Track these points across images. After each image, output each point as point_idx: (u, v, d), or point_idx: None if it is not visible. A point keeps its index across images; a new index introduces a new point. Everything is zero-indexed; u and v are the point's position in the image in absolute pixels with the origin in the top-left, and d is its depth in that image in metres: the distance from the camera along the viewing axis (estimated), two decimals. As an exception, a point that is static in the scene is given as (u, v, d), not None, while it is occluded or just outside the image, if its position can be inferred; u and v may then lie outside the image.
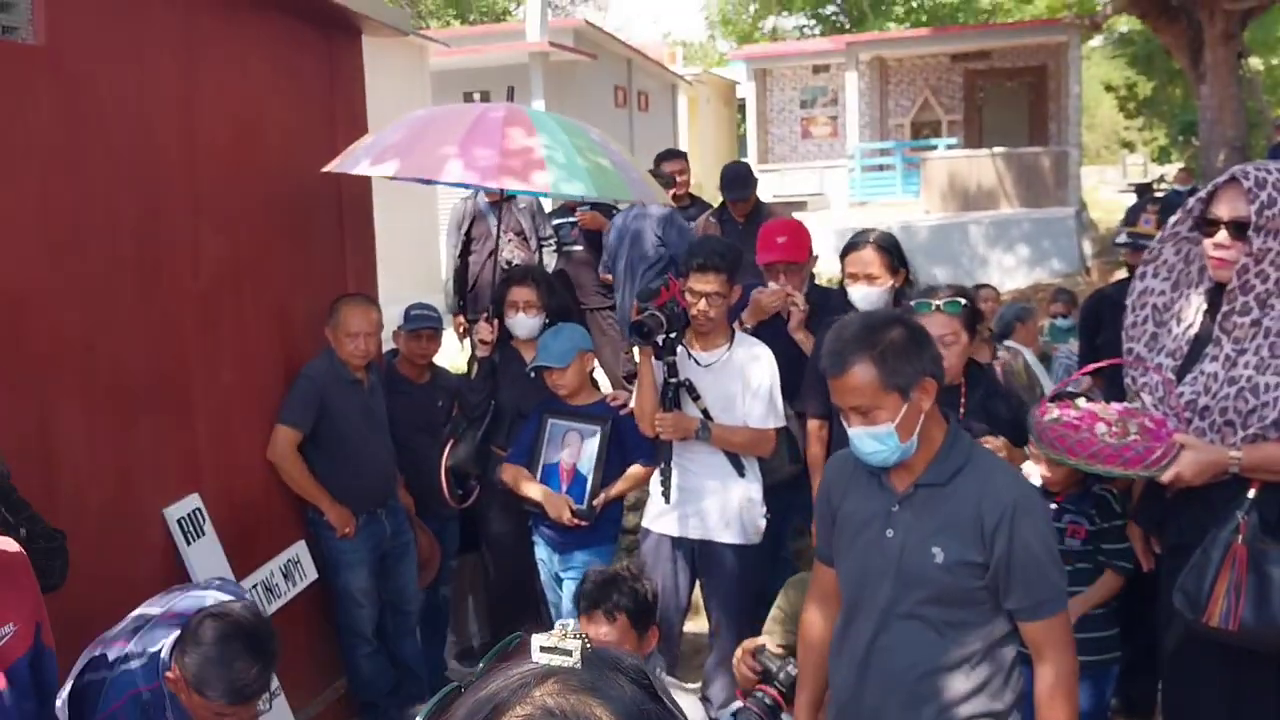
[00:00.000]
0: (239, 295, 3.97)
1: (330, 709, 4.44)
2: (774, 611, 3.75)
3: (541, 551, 4.25)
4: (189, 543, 3.65)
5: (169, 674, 2.59)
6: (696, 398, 3.82)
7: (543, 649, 0.87)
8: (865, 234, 4.10)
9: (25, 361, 3.03)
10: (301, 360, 4.24)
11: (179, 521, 3.63)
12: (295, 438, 4.15)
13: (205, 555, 3.69)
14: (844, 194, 19.49)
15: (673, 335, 3.74)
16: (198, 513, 3.70)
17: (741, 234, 5.92)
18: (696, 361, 3.86)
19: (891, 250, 4.02)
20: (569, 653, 0.86)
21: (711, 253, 3.85)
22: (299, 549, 4.15)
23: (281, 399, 4.17)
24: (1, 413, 2.95)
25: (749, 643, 3.01)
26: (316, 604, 4.31)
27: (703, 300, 3.77)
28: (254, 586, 3.86)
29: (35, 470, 3.00)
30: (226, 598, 2.86)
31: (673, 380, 3.80)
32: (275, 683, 3.88)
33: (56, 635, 2.67)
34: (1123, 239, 4.91)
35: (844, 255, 4.09)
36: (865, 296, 3.92)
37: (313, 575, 4.17)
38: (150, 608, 2.87)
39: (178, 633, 2.65)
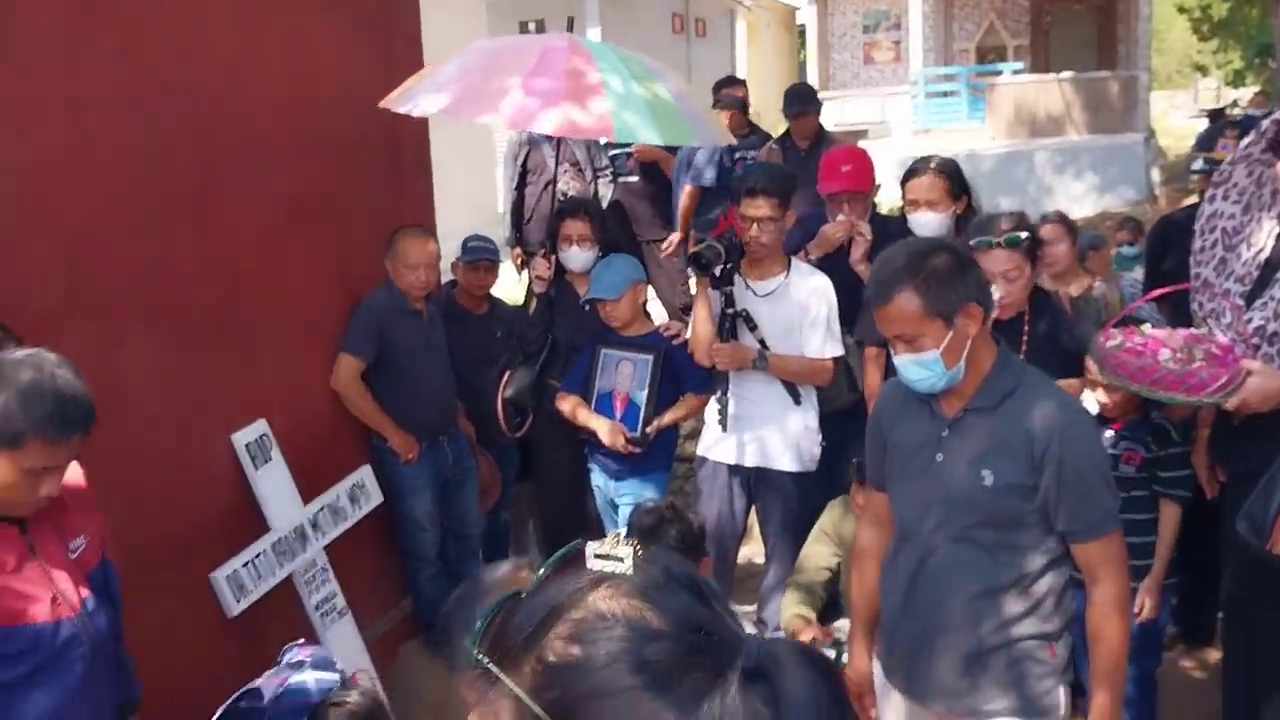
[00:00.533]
0: (300, 229, 4.02)
1: (396, 628, 4.57)
2: (816, 532, 3.79)
3: (597, 478, 4.32)
4: (256, 467, 3.75)
5: None
6: (754, 327, 3.82)
7: (596, 556, 0.89)
8: (926, 160, 4.05)
9: (94, 295, 3.10)
10: (362, 291, 4.31)
11: (246, 446, 3.73)
12: (358, 366, 4.23)
13: (273, 479, 3.80)
14: (907, 121, 19.10)
15: (729, 265, 3.73)
16: (265, 438, 3.80)
17: (803, 161, 5.87)
18: (754, 291, 3.85)
19: (952, 176, 3.98)
20: (621, 559, 0.88)
21: (761, 177, 3.84)
22: (364, 474, 4.24)
23: (343, 329, 4.24)
24: (74, 345, 3.04)
25: None
26: (381, 528, 4.42)
27: (754, 225, 3.75)
28: (321, 509, 3.97)
29: (108, 401, 3.08)
30: (326, 676, 2.96)
31: (730, 310, 3.79)
32: (342, 602, 4.02)
33: (132, 557, 2.80)
34: (1198, 165, 4.79)
35: (904, 182, 4.05)
36: (925, 224, 3.88)
37: (378, 499, 4.27)
38: (254, 700, 2.95)
39: None
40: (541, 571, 0.93)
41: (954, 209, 3.96)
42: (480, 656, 0.88)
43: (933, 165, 3.98)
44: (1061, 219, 4.44)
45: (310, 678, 2.94)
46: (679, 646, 0.82)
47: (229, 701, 2.94)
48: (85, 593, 2.36)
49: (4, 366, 2.16)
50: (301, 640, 3.01)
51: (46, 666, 2.26)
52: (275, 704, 2.85)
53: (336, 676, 3.11)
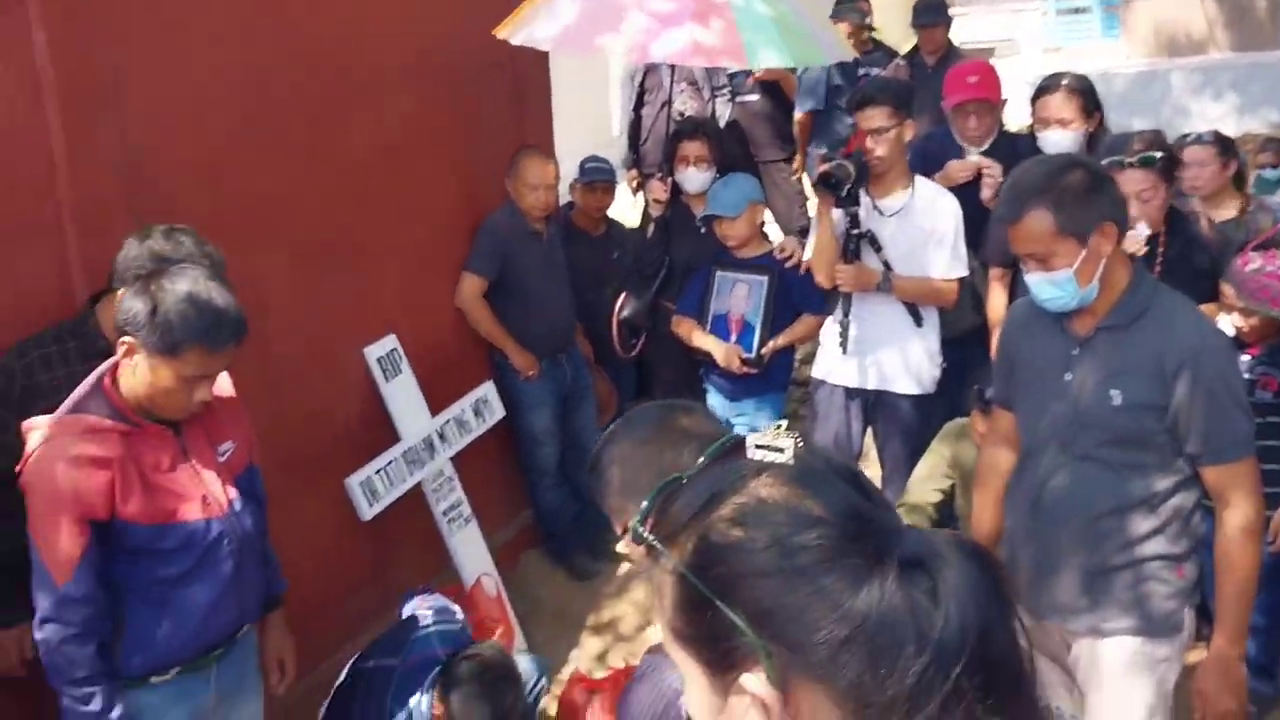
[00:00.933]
0: (424, 151, 4.11)
1: (517, 538, 4.73)
2: (930, 454, 3.77)
3: (713, 399, 4.35)
4: (387, 380, 3.90)
5: (435, 713, 2.88)
6: (878, 249, 3.77)
7: (757, 446, 0.91)
8: (1057, 77, 3.94)
9: (235, 215, 3.23)
10: (484, 212, 4.39)
11: (378, 360, 3.88)
12: (480, 285, 4.33)
13: (402, 392, 3.95)
14: (1037, 39, 18.32)
15: (856, 185, 3.67)
16: (395, 353, 3.94)
17: (930, 79, 5.71)
18: (880, 211, 3.79)
19: (1085, 93, 3.85)
20: (782, 450, 0.90)
21: (873, 87, 3.78)
22: (487, 389, 4.37)
23: (467, 249, 4.34)
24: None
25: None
26: (503, 442, 4.56)
27: (869, 138, 3.69)
28: (447, 421, 4.11)
29: (250, 316, 3.21)
30: (448, 626, 3.16)
31: (855, 231, 3.75)
32: (468, 510, 4.17)
33: (275, 462, 2.95)
34: None
35: (1035, 99, 3.94)
36: (1056, 142, 3.77)
37: (500, 414, 4.40)
38: (383, 659, 3.14)
39: (432, 676, 2.94)
40: (701, 460, 0.96)
41: (1086, 128, 3.84)
42: (646, 535, 0.92)
43: (1065, 82, 3.87)
44: (1217, 139, 4.23)
45: (434, 631, 3.11)
46: (837, 533, 0.84)
47: (354, 661, 3.12)
48: (233, 494, 2.51)
49: (164, 279, 2.28)
50: (421, 588, 3.17)
51: (201, 563, 2.43)
52: (404, 663, 3.01)
53: (460, 625, 3.27)
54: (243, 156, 3.30)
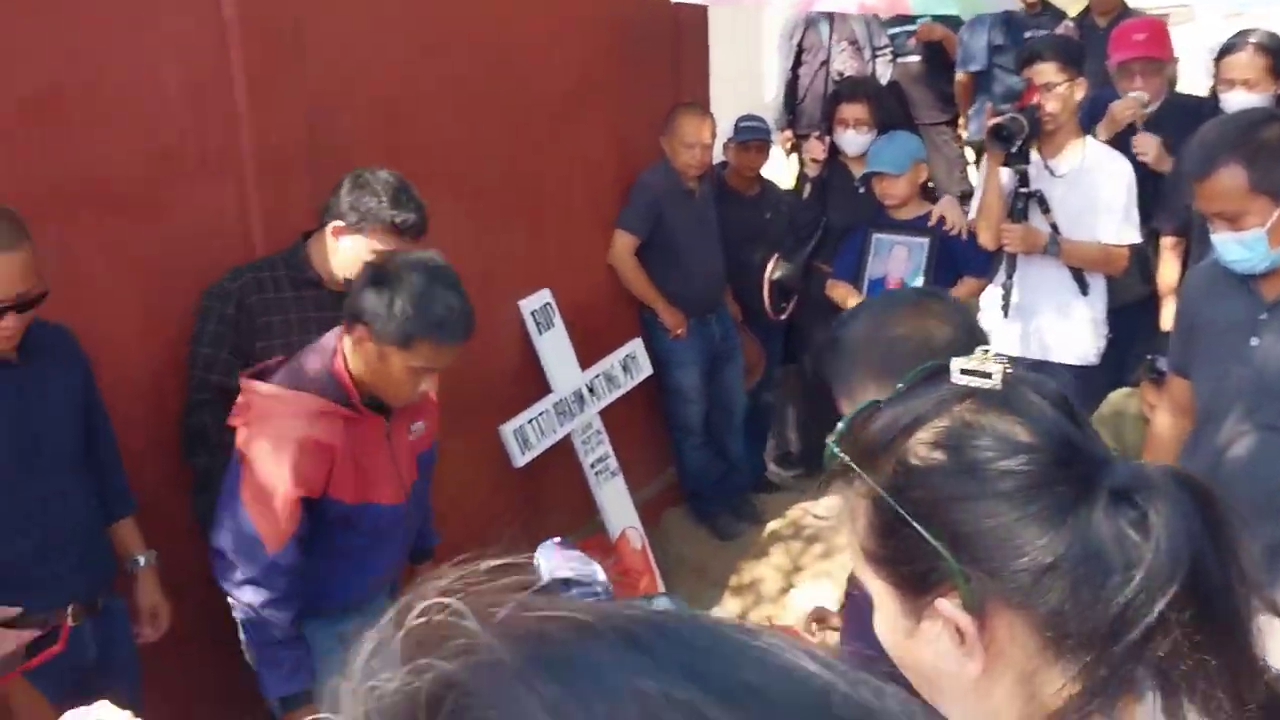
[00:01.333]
0: (584, 108, 4.15)
1: (661, 494, 4.77)
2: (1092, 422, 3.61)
3: (865, 365, 4.27)
4: (540, 333, 3.97)
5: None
6: (1047, 210, 3.63)
7: (963, 371, 0.89)
8: (1245, 35, 3.73)
9: (404, 164, 3.31)
10: (637, 170, 4.41)
11: (532, 314, 3.95)
12: (633, 243, 4.35)
13: (554, 345, 4.01)
14: (1217, 3, 17.29)
15: (1027, 141, 3.54)
16: (548, 306, 4.01)
17: (1103, 41, 5.45)
18: (1050, 171, 3.65)
19: (1275, 53, 3.64)
20: (989, 375, 0.88)
21: (1041, 43, 3.65)
22: (636, 346, 4.41)
23: (620, 207, 4.37)
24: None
25: None
26: (650, 399, 4.60)
27: (1039, 93, 3.55)
28: (597, 375, 4.17)
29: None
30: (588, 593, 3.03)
31: (1023, 190, 3.62)
32: (615, 463, 4.23)
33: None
34: None
35: (1218, 59, 3.74)
36: (1241, 105, 3.56)
37: (648, 371, 4.43)
38: None
39: None
40: (901, 385, 0.94)
41: (1275, 90, 3.62)
42: (842, 455, 0.92)
43: (1252, 40, 3.67)
44: None
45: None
46: (1045, 460, 0.82)
47: None
48: (414, 475, 2.62)
49: (400, 269, 2.32)
50: (560, 539, 3.18)
51: (382, 537, 2.57)
52: None
53: (600, 592, 3.29)
54: (414, 106, 3.40)
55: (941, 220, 4.06)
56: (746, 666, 0.38)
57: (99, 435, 2.51)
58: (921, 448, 0.86)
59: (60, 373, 2.37)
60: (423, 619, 0.40)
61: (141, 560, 2.59)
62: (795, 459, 5.17)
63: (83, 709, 1.48)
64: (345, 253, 2.70)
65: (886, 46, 6.02)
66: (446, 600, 0.40)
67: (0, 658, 1.88)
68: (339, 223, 2.68)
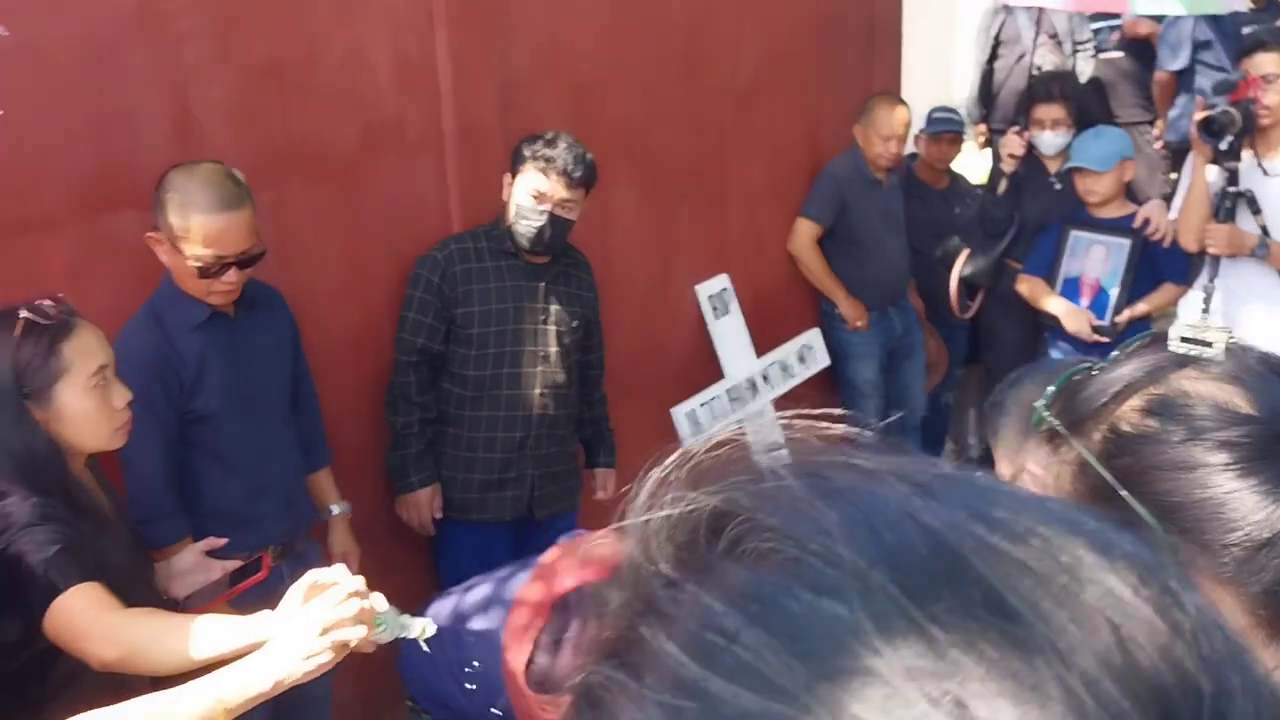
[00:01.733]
0: (772, 93, 4.13)
1: (832, 490, 4.71)
2: None
3: (1056, 366, 4.12)
4: (717, 318, 3.99)
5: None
6: (1257, 211, 3.42)
7: (1183, 339, 0.85)
8: None
9: (589, 141, 3.37)
10: (824, 158, 4.36)
11: (709, 298, 3.97)
12: (815, 231, 4.32)
13: (730, 330, 4.02)
14: None
15: (1240, 137, 3.34)
16: (726, 292, 4.02)
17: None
18: (1264, 170, 3.44)
19: None
20: (1210, 344, 0.84)
21: (1265, 32, 3.46)
22: (813, 336, 4.37)
23: (804, 194, 4.34)
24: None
25: None
26: (825, 391, 4.54)
27: (1258, 85, 3.33)
28: (772, 364, 4.16)
29: (599, 242, 3.41)
30: None
31: (1232, 189, 3.41)
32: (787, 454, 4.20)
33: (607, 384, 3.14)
34: None
35: None
36: None
37: (824, 363, 4.39)
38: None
39: None
40: (1115, 353, 0.91)
41: None
42: (1051, 419, 0.90)
43: None
44: None
45: None
46: (1268, 433, 0.78)
47: None
48: None
49: None
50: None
51: None
52: None
53: None
54: (607, 88, 3.47)
55: (1145, 223, 3.87)
56: (1027, 512, 0.38)
57: (302, 391, 2.67)
58: (1134, 414, 0.83)
59: (272, 330, 2.53)
60: (710, 453, 0.42)
61: (336, 509, 2.75)
62: (973, 464, 5.02)
63: (323, 569, 1.58)
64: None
65: (1089, 41, 5.76)
66: (734, 438, 0.42)
67: (207, 584, 2.03)
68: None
